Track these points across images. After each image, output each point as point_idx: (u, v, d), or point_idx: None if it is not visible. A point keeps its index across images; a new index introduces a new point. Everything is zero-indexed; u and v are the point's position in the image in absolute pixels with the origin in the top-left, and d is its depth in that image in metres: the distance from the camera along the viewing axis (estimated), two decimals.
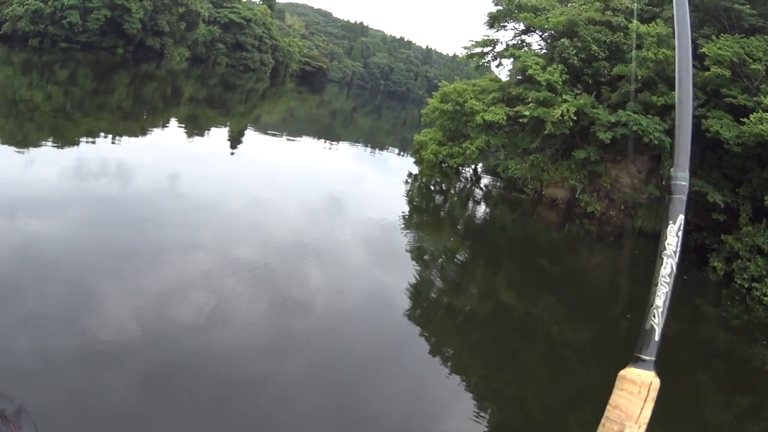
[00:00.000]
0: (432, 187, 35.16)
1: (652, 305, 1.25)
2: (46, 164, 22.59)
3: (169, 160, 27.06)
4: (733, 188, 26.18)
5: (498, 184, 37.12)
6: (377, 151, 52.40)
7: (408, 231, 23.25)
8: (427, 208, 29.73)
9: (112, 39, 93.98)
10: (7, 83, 49.75)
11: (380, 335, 13.39)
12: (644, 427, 0.99)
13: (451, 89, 37.06)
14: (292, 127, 57.69)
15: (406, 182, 34.81)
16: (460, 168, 37.52)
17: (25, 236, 15.22)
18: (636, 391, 1.05)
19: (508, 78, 39.54)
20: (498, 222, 28.65)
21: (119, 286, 13.37)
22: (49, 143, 26.34)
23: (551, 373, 13.18)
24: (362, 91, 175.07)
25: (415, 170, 38.16)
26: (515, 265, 21.45)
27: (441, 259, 20.82)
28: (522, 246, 24.73)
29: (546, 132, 29.78)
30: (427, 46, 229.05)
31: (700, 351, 17.30)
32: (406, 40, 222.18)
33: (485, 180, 39.01)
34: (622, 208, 29.48)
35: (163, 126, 41.15)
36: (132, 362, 10.22)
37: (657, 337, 1.16)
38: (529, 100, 30.93)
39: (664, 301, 1.21)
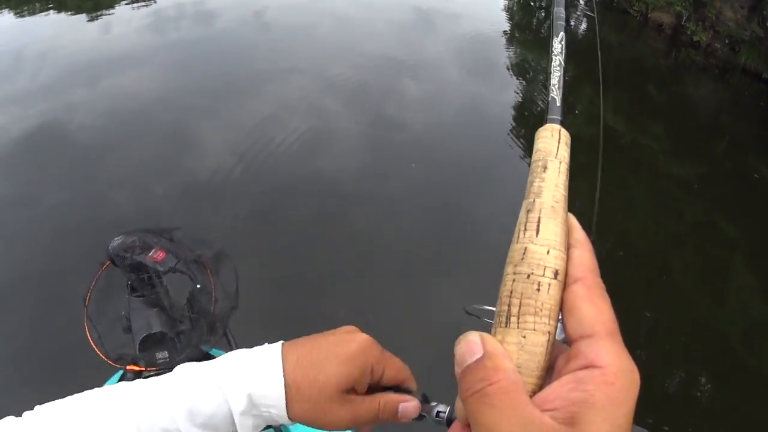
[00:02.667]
0: (532, 3, 34.03)
1: (550, 84, 1.45)
2: (126, 24, 23.06)
3: None
4: None
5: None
6: None
7: (509, 47, 23.48)
8: (529, 25, 29.68)
9: None
10: None
11: (482, 152, 14.14)
12: (564, 164, 1.16)
13: None
14: None
15: None
16: None
17: (120, 92, 15.99)
18: (549, 135, 1.22)
19: None
20: (604, 42, 28.24)
21: (221, 122, 14.12)
22: (123, 4, 26.61)
23: (656, 205, 13.62)
24: None
25: None
26: (622, 89, 21.24)
27: (544, 78, 20.42)
28: (629, 69, 24.38)
29: None
30: None
31: None
32: None
33: None
34: (727, 41, 28.28)
35: None
36: (249, 187, 11.29)
37: (558, 104, 1.37)
38: None
39: (558, 78, 1.41)
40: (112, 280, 6.50)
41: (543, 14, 31.42)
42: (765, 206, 14.45)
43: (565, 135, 1.25)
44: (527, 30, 27.89)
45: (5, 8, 30.82)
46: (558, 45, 1.72)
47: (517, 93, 18.05)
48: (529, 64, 21.83)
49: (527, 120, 16.53)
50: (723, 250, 12.11)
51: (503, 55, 21.98)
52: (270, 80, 16.76)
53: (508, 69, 20.19)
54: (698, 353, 9.75)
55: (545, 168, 1.14)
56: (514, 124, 15.83)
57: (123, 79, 17.26)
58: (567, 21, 1.78)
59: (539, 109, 17.47)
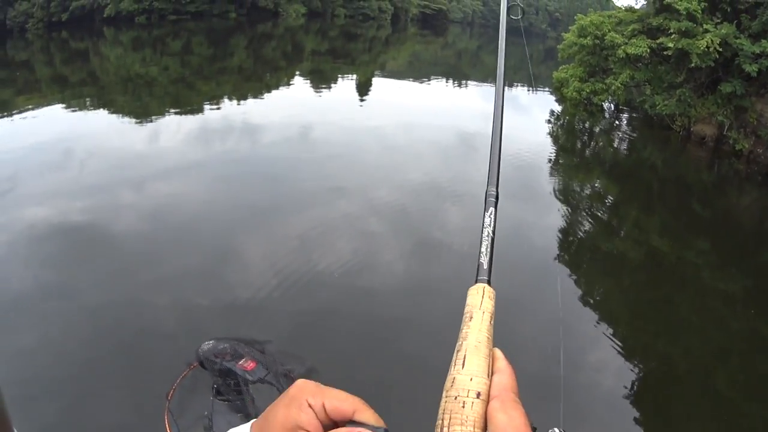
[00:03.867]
0: (576, 126, 35.23)
1: (480, 250, 1.82)
2: (174, 132, 23.87)
3: (298, 114, 28.10)
4: None
5: (634, 117, 37.33)
6: (507, 88, 52.30)
7: (555, 171, 23.85)
8: (573, 148, 30.16)
9: (223, 4, 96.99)
10: (119, 63, 51.76)
11: (525, 275, 13.99)
12: (488, 313, 1.47)
13: (587, 22, 36.71)
14: (418, 70, 58.36)
15: (549, 121, 35.24)
16: (603, 105, 37.21)
17: (163, 203, 16.43)
18: (476, 293, 1.53)
19: (643, 6, 38.92)
20: (648, 161, 28.48)
21: (267, 240, 14.41)
22: (173, 113, 27.60)
23: (701, 323, 13.45)
24: (485, 30, 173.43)
25: (556, 107, 38.60)
26: (666, 207, 21.49)
27: (590, 201, 21.30)
28: (673, 187, 24.53)
29: (692, 65, 29.06)
30: None
31: None
32: None
33: (626, 116, 38.64)
34: None
35: (288, 83, 42.36)
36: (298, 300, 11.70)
37: (485, 267, 1.73)
38: (671, 30, 30.04)
39: (486, 246, 1.79)
40: (198, 381, 6.82)
41: (586, 137, 31.85)
42: None
43: (490, 291, 1.57)
44: (572, 154, 28.17)
45: (57, 102, 32.14)
46: (488, 218, 1.97)
47: (563, 217, 18.24)
48: (572, 189, 22.24)
49: (570, 244, 16.85)
50: None
51: (546, 179, 22.40)
52: (315, 200, 17.21)
53: (551, 193, 20.46)
54: None
55: (471, 317, 1.46)
56: (557, 243, 15.96)
57: (169, 187, 17.83)
58: (496, 197, 2.14)
59: (584, 232, 17.93)
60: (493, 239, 1.87)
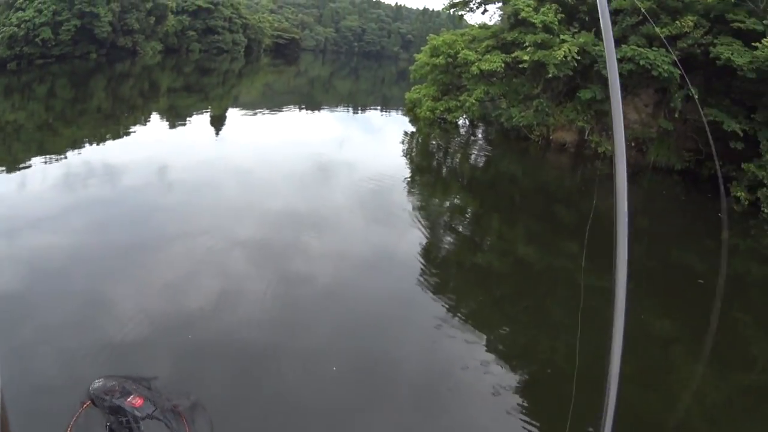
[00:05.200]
0: (432, 144, 35.03)
1: None
2: (40, 179, 23.16)
3: (155, 153, 27.39)
4: (747, 114, 26.04)
5: (490, 131, 37.40)
6: (360, 112, 52.80)
7: (412, 191, 23.49)
8: (429, 166, 29.93)
9: (84, 46, 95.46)
10: None
11: (393, 298, 13.61)
12: None
13: (440, 42, 36.80)
14: (272, 100, 58.26)
15: (403, 142, 34.84)
16: (458, 122, 37.53)
17: (34, 251, 15.89)
18: None
19: (498, 23, 39.69)
20: (507, 173, 28.84)
21: (132, 283, 14.08)
22: (38, 159, 26.82)
23: (582, 322, 13.58)
24: (337, 56, 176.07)
25: (410, 128, 38.22)
26: (531, 216, 21.46)
27: (451, 217, 21.13)
28: (535, 195, 24.80)
29: (549, 75, 29.75)
30: (396, 3, 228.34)
31: (736, 284, 17.21)
32: (374, 0, 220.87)
33: (482, 130, 38.76)
34: (633, 144, 29.46)
35: (145, 121, 41.64)
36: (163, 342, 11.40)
37: None
38: (527, 44, 30.73)
39: None
40: (91, 420, 6.77)
41: (442, 155, 32.24)
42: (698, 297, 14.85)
43: None
44: (428, 172, 28.36)
45: None
46: None
47: (423, 235, 18.23)
48: (432, 207, 21.88)
49: (434, 259, 16.51)
50: (659, 347, 12.43)
51: (405, 200, 21.92)
52: (177, 241, 16.95)
53: (411, 214, 20.15)
54: None
55: None
56: (421, 263, 15.97)
57: (35, 236, 17.11)
58: None
59: (446, 248, 17.71)
60: None
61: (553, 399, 10.44)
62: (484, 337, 11.92)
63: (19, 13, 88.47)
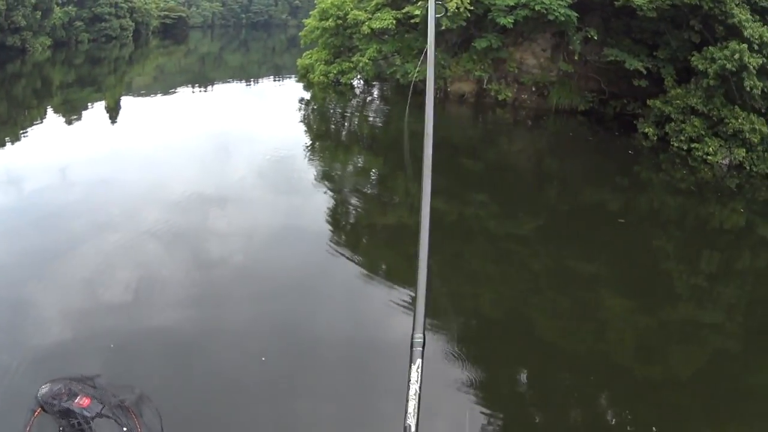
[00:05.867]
0: (329, 108, 34.85)
1: (406, 411, 1.88)
2: None
3: (54, 152, 26.71)
4: (650, 53, 26.43)
5: (387, 89, 37.18)
6: (254, 83, 52.36)
7: (314, 158, 23.40)
8: (328, 131, 29.92)
9: None
10: None
11: (307, 266, 13.39)
12: None
13: (328, 4, 36.20)
14: (165, 82, 57.45)
15: (299, 109, 34.47)
16: (353, 83, 37.09)
17: None
18: None
19: None
20: (407, 129, 28.97)
21: (48, 287, 13.79)
22: None
23: (503, 270, 13.47)
24: (226, 30, 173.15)
25: (305, 95, 37.93)
26: (436, 170, 21.88)
27: (355, 179, 21.09)
28: (438, 149, 24.68)
29: (442, 28, 29.14)
30: None
31: (653, 218, 17.86)
32: None
33: (377, 89, 38.65)
34: (533, 89, 29.67)
35: (41, 119, 40.61)
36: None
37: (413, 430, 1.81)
38: None
39: (414, 406, 1.83)
40: (44, 427, 6.77)
41: (340, 118, 31.91)
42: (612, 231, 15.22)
43: None
44: (327, 137, 28.18)
45: None
46: (415, 373, 2.09)
47: (330, 201, 18.06)
48: (335, 171, 21.93)
49: (343, 224, 16.54)
50: (585, 288, 12.61)
51: (307, 167, 21.72)
52: (83, 240, 16.50)
53: (315, 180, 20.05)
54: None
55: None
56: (331, 230, 15.87)
57: None
58: (423, 344, 2.19)
59: (353, 211, 17.60)
60: (420, 397, 1.91)
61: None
62: (400, 290, 11.89)
63: None
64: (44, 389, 8.01)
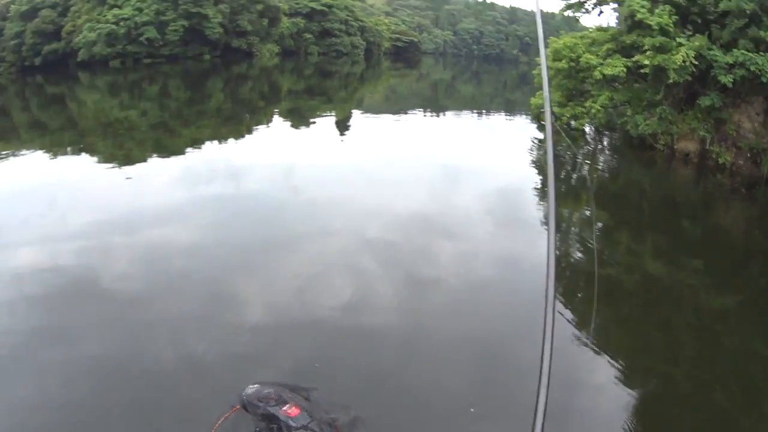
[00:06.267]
0: (559, 152, 33.56)
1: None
2: (158, 176, 24.10)
3: (280, 154, 28.31)
4: None
5: (615, 139, 37.53)
6: (485, 116, 52.69)
7: (541, 200, 23.53)
8: (558, 175, 29.34)
9: (196, 47, 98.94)
10: (97, 107, 52.00)
11: (519, 308, 13.83)
12: None
13: (561, 45, 36.29)
14: (396, 104, 58.86)
15: (531, 149, 35.15)
16: (584, 129, 37.26)
17: (164, 250, 16.88)
18: None
19: (616, 26, 38.80)
20: (635, 183, 28.90)
21: (260, 283, 14.76)
22: (156, 157, 27.64)
23: (701, 344, 13.57)
24: (458, 59, 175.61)
25: (537, 134, 38.43)
26: (657, 229, 21.74)
27: (580, 228, 21.32)
28: (662, 208, 24.88)
29: (669, 81, 29.09)
30: (511, 6, 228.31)
31: None
32: (488, 1, 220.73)
33: (607, 138, 38.81)
34: (748, 155, 28.86)
35: (268, 123, 42.67)
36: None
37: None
38: (646, 47, 29.92)
39: None
40: (239, 425, 6.93)
41: (570, 163, 31.90)
42: None
43: None
44: (557, 181, 27.62)
45: (38, 148, 32.28)
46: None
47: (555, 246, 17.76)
48: (562, 216, 22.09)
49: (562, 270, 16.66)
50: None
51: (535, 208, 22.39)
52: (306, 241, 17.22)
53: (540, 222, 20.39)
54: None
55: None
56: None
57: (159, 233, 18.02)
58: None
59: (574, 259, 17.93)
60: None
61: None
62: (608, 357, 11.92)
63: (115, 11, 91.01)
64: (251, 389, 8.19)
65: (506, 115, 53.81)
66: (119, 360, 11.00)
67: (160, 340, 11.78)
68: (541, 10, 6.30)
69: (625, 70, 31.57)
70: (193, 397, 9.79)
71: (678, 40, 29.32)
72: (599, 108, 32.94)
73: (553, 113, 4.34)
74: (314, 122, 43.95)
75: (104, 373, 10.59)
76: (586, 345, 12.21)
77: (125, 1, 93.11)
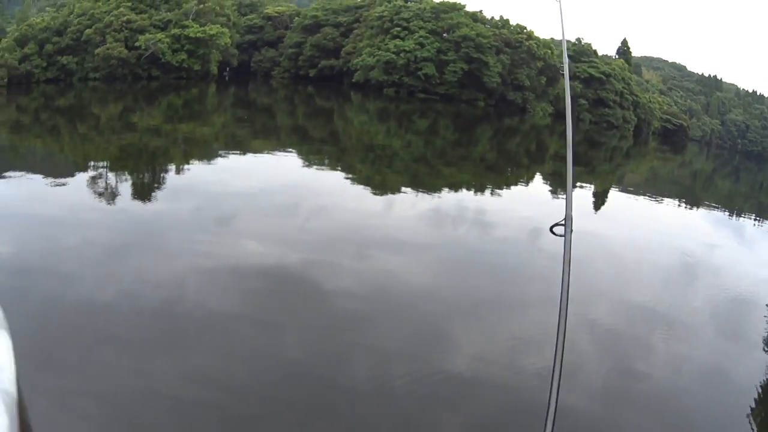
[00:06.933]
0: None
1: None
2: (405, 210, 24.86)
3: (534, 214, 28.33)
4: None
5: None
6: (735, 216, 50.75)
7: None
8: None
9: (472, 92, 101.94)
10: (363, 129, 54.16)
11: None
12: None
13: None
14: (654, 187, 57.71)
15: None
16: None
17: (388, 274, 17.58)
18: None
19: None
20: None
21: (479, 332, 15.00)
22: (409, 190, 28.71)
23: None
24: (721, 151, 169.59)
25: None
26: None
27: None
28: None
29: None
30: None
31: None
32: (758, 93, 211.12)
33: None
34: None
35: (528, 181, 42.80)
36: None
37: None
38: None
39: None
40: None
41: None
42: None
43: None
44: None
45: (294, 152, 34.12)
46: None
47: None
48: None
49: None
50: None
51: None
52: (534, 305, 17.45)
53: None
54: None
55: None
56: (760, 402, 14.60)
57: (392, 259, 18.96)
58: None
59: None
60: None
61: None
62: None
63: (397, 41, 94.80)
64: None
65: (756, 219, 51.85)
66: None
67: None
68: None
69: None
70: None
71: None
72: None
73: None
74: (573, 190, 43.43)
75: None
76: None
77: (408, 34, 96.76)
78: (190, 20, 77.42)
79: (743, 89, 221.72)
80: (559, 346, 3.96)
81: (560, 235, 3.82)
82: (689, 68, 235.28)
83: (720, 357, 17.16)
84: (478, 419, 10.94)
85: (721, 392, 14.92)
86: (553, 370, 3.81)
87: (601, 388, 13.51)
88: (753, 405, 14.26)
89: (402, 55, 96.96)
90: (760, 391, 14.99)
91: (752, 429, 13.17)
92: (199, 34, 78.17)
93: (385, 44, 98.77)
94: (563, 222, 3.35)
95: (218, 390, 10.24)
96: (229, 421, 9.48)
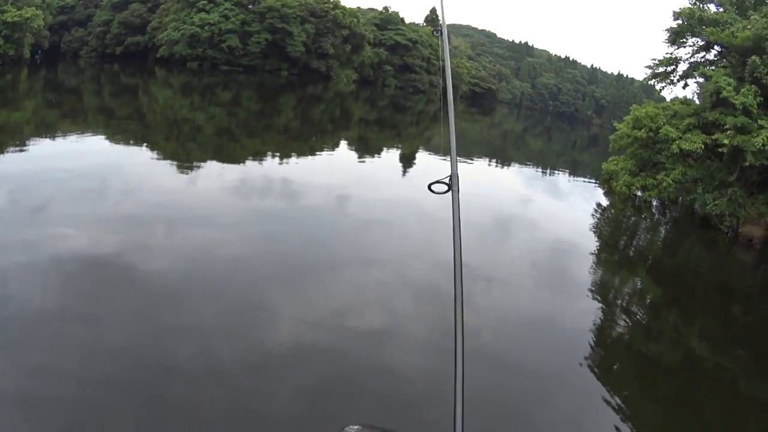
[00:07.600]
0: (621, 222, 34.79)
1: None
2: (213, 181, 24.12)
3: (340, 180, 28.20)
4: None
5: (679, 216, 37.31)
6: (548, 174, 52.31)
7: (595, 265, 23.41)
8: (617, 243, 29.62)
9: (275, 62, 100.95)
10: (167, 104, 53.15)
11: (556, 375, 13.42)
12: None
13: (643, 113, 35.60)
14: (463, 148, 58.41)
15: (593, 213, 34.88)
16: (651, 201, 36.91)
17: (200, 250, 16.81)
18: None
19: (694, 99, 38.42)
20: (692, 263, 28.16)
21: (296, 300, 14.50)
22: (215, 162, 27.81)
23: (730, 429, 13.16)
24: (531, 113, 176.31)
25: (602, 200, 38.69)
26: (708, 311, 21.17)
27: (629, 299, 20.76)
28: (716, 290, 24.15)
29: (746, 163, 28.95)
30: (592, 65, 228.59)
31: None
32: (571, 59, 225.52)
33: (670, 213, 38.45)
34: None
35: (333, 147, 42.72)
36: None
37: None
38: (727, 126, 29.69)
39: None
40: None
41: (630, 233, 31.95)
42: None
43: None
44: (614, 249, 28.04)
45: (101, 132, 33.03)
46: None
47: (596, 311, 17.86)
48: (611, 285, 21.91)
49: (603, 339, 16.27)
50: None
51: (585, 272, 21.84)
52: (347, 267, 17.22)
53: (588, 287, 20.14)
54: None
55: None
56: (591, 341, 15.52)
57: (204, 234, 18.22)
58: None
59: (617, 330, 17.30)
60: None
61: None
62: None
63: (202, 15, 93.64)
64: (353, 429, 7.87)
65: (570, 174, 53.41)
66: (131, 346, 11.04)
67: (179, 338, 11.75)
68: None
69: (702, 146, 31.32)
70: None
71: (759, 122, 29.08)
72: (671, 182, 32.60)
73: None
74: (380, 154, 44.30)
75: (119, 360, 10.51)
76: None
77: (213, 7, 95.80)
78: (9, 5, 73.95)
79: (555, 55, 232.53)
80: (459, 310, 3.54)
81: (439, 193, 3.85)
82: (499, 35, 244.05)
83: (549, 306, 17.78)
84: (309, 382, 10.79)
85: (553, 341, 15.31)
86: (455, 335, 3.36)
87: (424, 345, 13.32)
88: (588, 351, 14.80)
89: (206, 28, 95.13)
90: (591, 336, 15.74)
91: (589, 373, 13.66)
92: (15, 18, 73.06)
93: (191, 18, 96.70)
94: (446, 179, 2.80)
95: (58, 384, 9.63)
96: (74, 412, 9.03)
